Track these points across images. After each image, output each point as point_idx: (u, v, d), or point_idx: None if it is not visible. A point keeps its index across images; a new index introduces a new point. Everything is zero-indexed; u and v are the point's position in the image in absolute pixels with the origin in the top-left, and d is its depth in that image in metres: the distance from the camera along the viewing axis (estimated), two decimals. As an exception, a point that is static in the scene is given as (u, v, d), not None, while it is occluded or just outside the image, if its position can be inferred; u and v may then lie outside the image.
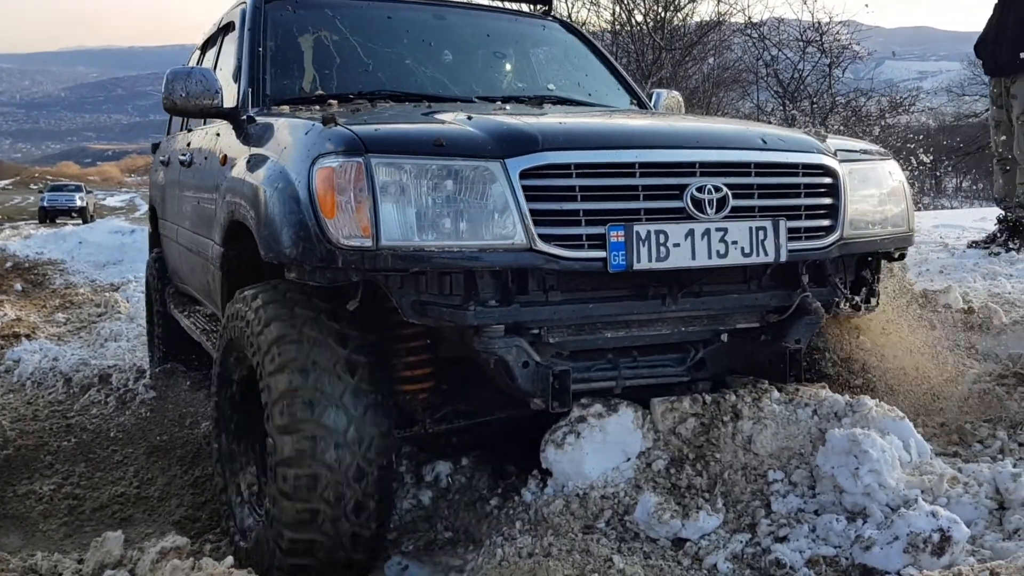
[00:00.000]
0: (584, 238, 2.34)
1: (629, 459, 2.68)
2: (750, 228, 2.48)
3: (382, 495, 2.40)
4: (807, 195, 2.65)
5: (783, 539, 2.41)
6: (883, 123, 15.93)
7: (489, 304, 2.34)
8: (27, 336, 6.92)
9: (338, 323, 2.49)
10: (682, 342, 2.74)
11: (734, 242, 2.46)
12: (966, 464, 2.79)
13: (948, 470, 2.57)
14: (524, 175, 2.30)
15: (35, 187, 65.16)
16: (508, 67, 3.92)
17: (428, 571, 2.74)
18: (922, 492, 2.43)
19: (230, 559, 2.18)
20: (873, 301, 2.92)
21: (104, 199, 55.25)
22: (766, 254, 2.50)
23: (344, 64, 3.47)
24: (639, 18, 15.44)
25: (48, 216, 32.92)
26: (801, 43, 15.08)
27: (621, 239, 2.34)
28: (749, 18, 15.90)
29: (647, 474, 2.64)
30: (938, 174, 36.71)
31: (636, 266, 2.36)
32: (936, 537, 2.21)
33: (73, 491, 3.63)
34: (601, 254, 2.34)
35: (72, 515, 3.48)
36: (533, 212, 2.30)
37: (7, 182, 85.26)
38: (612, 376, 2.66)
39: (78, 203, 34.05)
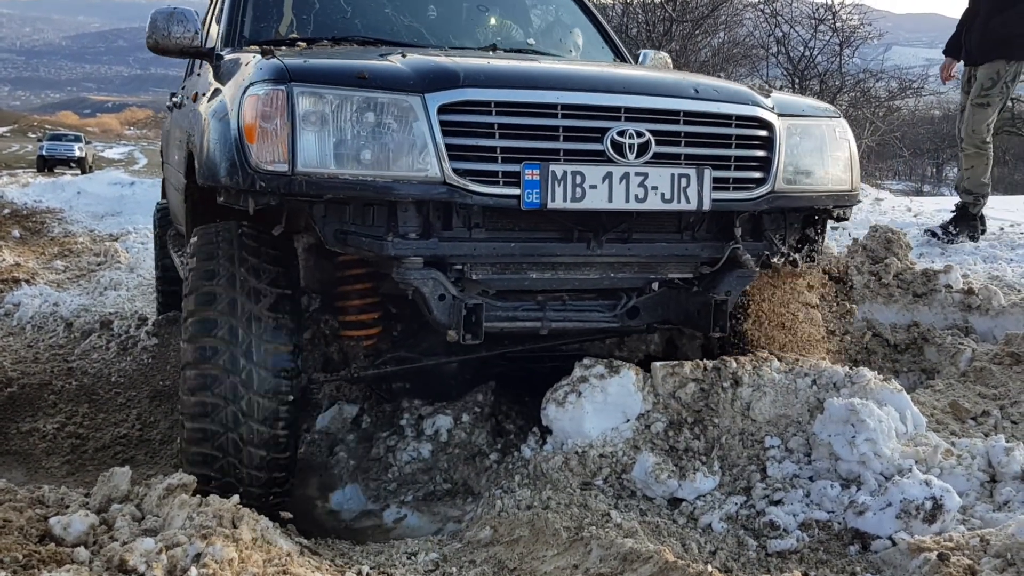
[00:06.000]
0: (500, 175, 2.39)
1: (628, 420, 2.73)
2: (672, 175, 2.50)
3: (277, 402, 2.46)
4: (739, 146, 2.65)
5: (777, 502, 2.46)
6: (890, 104, 15.87)
7: (408, 236, 2.42)
8: (26, 281, 6.89)
9: (258, 258, 2.57)
10: (613, 289, 2.77)
11: (654, 187, 2.48)
12: (960, 439, 2.84)
13: (942, 443, 2.61)
14: (443, 110, 2.36)
15: (34, 135, 64.56)
16: (493, 21, 3.93)
17: (427, 520, 2.79)
18: (916, 462, 2.48)
19: (236, 496, 2.22)
20: (814, 258, 2.92)
21: (103, 151, 54.79)
22: (688, 201, 2.52)
23: (322, 9, 3.55)
24: (651, -12, 15.26)
25: (46, 165, 32.65)
26: (813, 21, 14.95)
27: (536, 177, 2.39)
28: (762, -7, 15.74)
29: (646, 435, 2.69)
30: (939, 162, 36.61)
31: (550, 205, 2.40)
32: (928, 505, 2.26)
33: (76, 431, 3.67)
34: (515, 191, 2.39)
35: (75, 454, 3.52)
36: (449, 147, 2.35)
37: (5, 129, 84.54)
38: (538, 317, 2.71)
39: (77, 153, 33.73)
